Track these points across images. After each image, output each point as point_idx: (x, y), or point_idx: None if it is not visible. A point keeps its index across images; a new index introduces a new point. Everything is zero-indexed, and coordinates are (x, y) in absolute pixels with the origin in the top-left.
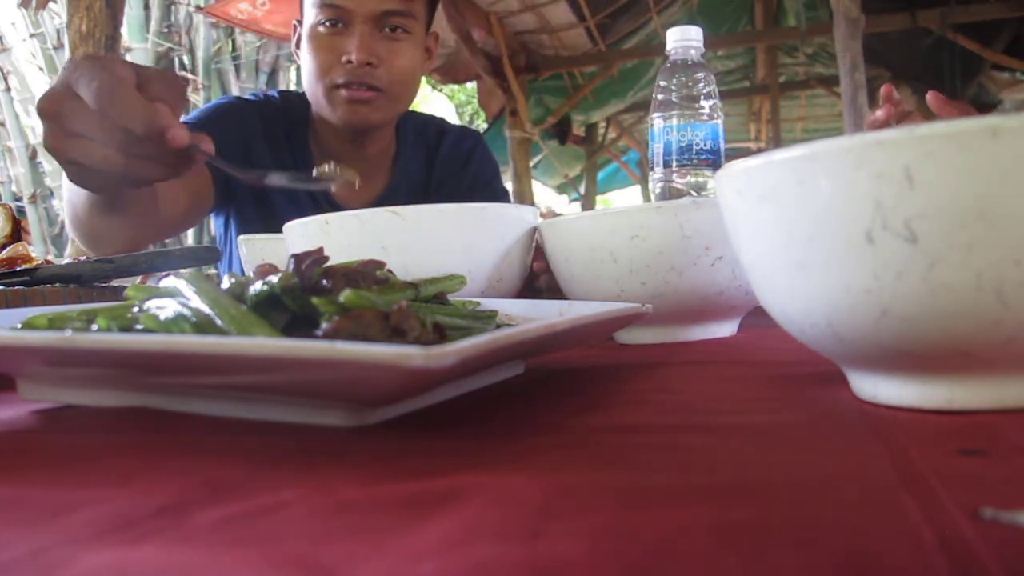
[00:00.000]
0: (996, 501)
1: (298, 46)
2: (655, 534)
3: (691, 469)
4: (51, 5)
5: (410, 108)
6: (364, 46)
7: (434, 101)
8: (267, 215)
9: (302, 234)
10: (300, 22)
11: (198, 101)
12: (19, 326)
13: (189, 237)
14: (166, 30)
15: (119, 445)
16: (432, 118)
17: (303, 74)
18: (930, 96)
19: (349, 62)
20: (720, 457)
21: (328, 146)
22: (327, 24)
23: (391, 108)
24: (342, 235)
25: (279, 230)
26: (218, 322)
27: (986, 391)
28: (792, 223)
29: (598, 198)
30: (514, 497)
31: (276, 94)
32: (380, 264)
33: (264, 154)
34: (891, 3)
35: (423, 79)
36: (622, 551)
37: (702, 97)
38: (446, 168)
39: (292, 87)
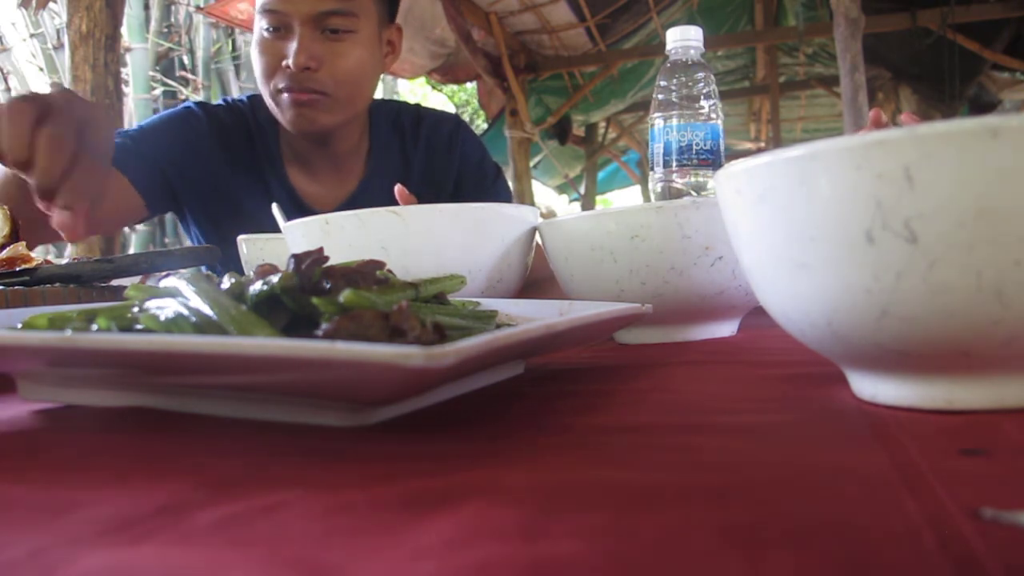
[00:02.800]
0: (996, 501)
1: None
2: (655, 534)
3: (691, 469)
4: (51, 5)
5: (385, 98)
6: (302, 49)
7: (434, 101)
8: (230, 213)
9: (302, 234)
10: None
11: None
12: (19, 326)
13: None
14: (166, 30)
15: (119, 445)
16: (406, 105)
17: (256, 78)
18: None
19: (288, 67)
20: (720, 457)
21: (297, 146)
22: (269, 30)
23: (340, 110)
24: (342, 235)
25: (246, 230)
26: (218, 322)
27: (986, 391)
28: (792, 223)
29: (598, 198)
30: (514, 497)
31: (244, 99)
32: (380, 264)
33: (217, 158)
34: (891, 3)
35: (424, 79)
36: (622, 551)
37: (702, 97)
38: (430, 155)
39: None
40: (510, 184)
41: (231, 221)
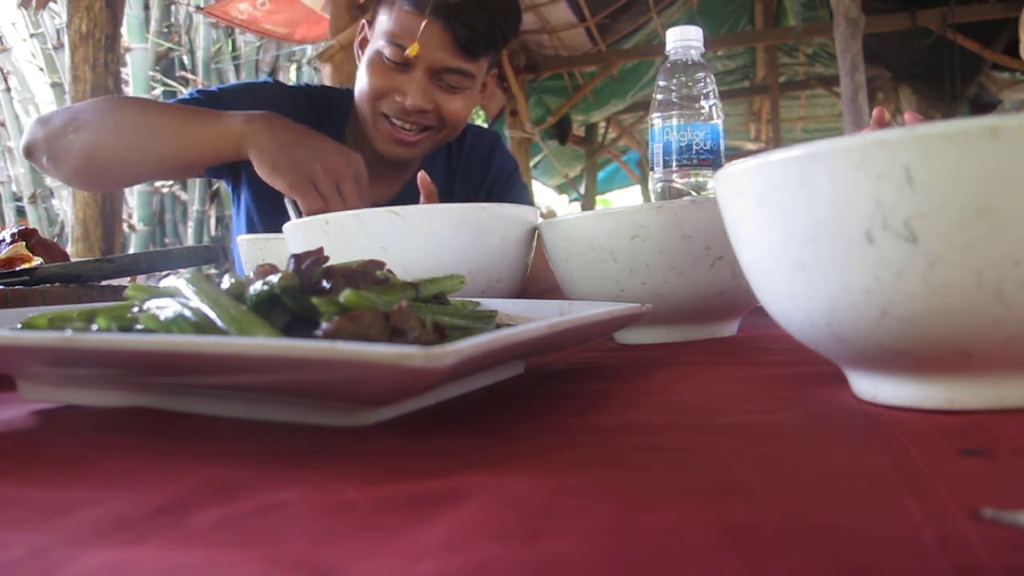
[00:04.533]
0: (996, 501)
1: (361, 47)
2: (655, 534)
3: (691, 469)
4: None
5: None
6: (421, 93)
7: None
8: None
9: (302, 234)
10: (370, 23)
11: None
12: (19, 326)
13: (189, 237)
14: (166, 30)
15: (119, 445)
16: None
17: (357, 82)
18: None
19: (401, 102)
20: (720, 457)
21: (363, 147)
22: (390, 60)
23: (433, 144)
24: (342, 235)
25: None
26: (218, 322)
27: (986, 391)
28: (792, 223)
29: (598, 198)
30: (514, 497)
31: (317, 85)
32: (380, 264)
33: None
34: (891, 3)
35: None
36: (622, 551)
37: (702, 97)
38: (470, 165)
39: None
40: None
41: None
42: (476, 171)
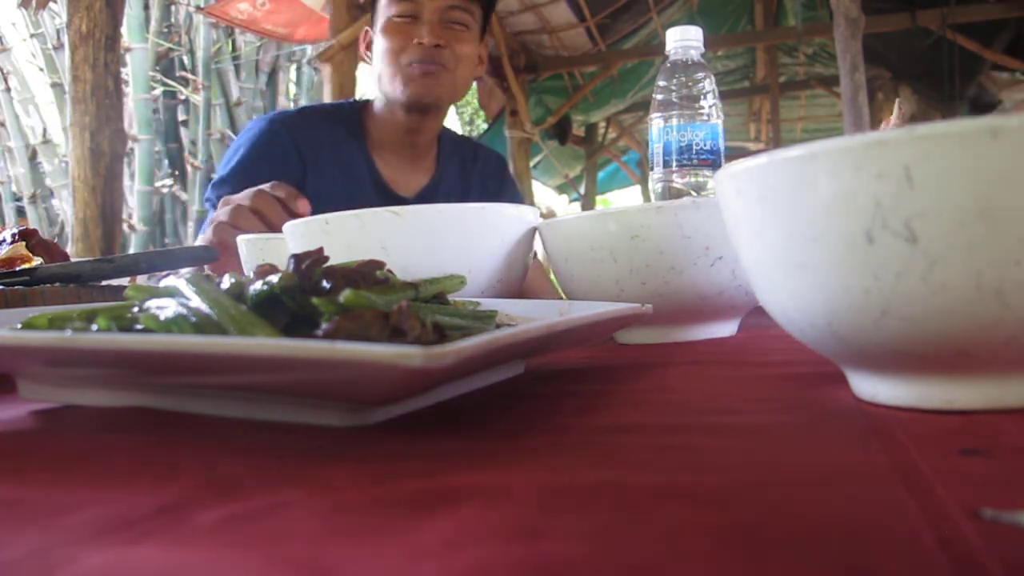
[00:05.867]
0: (996, 501)
1: (368, 48)
2: (655, 534)
3: (691, 469)
4: (51, 5)
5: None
6: (433, 31)
7: None
8: (326, 194)
9: (302, 234)
10: (370, 23)
11: (198, 101)
12: (19, 326)
13: (189, 237)
14: (166, 30)
15: (119, 445)
16: (464, 137)
17: (375, 61)
18: None
19: (421, 44)
20: (720, 457)
21: (380, 143)
22: (398, 16)
23: (451, 88)
24: (342, 235)
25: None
26: (218, 322)
27: (986, 391)
28: (792, 223)
29: (598, 198)
30: (514, 497)
31: (323, 105)
32: (380, 264)
33: (319, 152)
34: (891, 3)
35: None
36: (622, 551)
37: (702, 97)
38: (484, 183)
39: (291, 87)
40: None
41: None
42: (491, 185)
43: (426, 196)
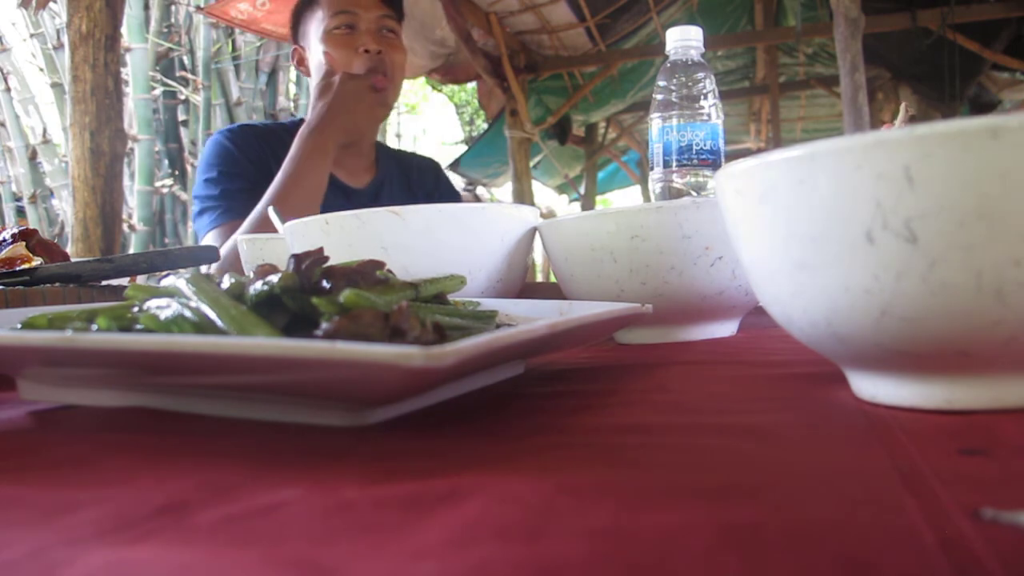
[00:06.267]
0: (996, 501)
1: (301, 64)
2: (655, 534)
3: (691, 469)
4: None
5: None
6: (374, 40)
7: (434, 101)
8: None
9: (302, 234)
10: (303, 47)
11: (198, 101)
12: (19, 326)
13: (189, 237)
14: (166, 30)
15: (119, 445)
16: (397, 151)
17: (315, 73)
18: None
19: (367, 51)
20: (720, 457)
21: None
22: (341, 28)
23: (392, 98)
24: (342, 235)
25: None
26: (218, 322)
27: (986, 391)
28: (792, 223)
29: (598, 198)
30: (514, 497)
31: (270, 123)
32: (380, 264)
33: (269, 160)
34: (891, 3)
35: (424, 79)
36: (622, 551)
37: (702, 97)
38: (422, 188)
39: (292, 87)
40: (509, 184)
41: None
42: (428, 189)
43: (377, 186)
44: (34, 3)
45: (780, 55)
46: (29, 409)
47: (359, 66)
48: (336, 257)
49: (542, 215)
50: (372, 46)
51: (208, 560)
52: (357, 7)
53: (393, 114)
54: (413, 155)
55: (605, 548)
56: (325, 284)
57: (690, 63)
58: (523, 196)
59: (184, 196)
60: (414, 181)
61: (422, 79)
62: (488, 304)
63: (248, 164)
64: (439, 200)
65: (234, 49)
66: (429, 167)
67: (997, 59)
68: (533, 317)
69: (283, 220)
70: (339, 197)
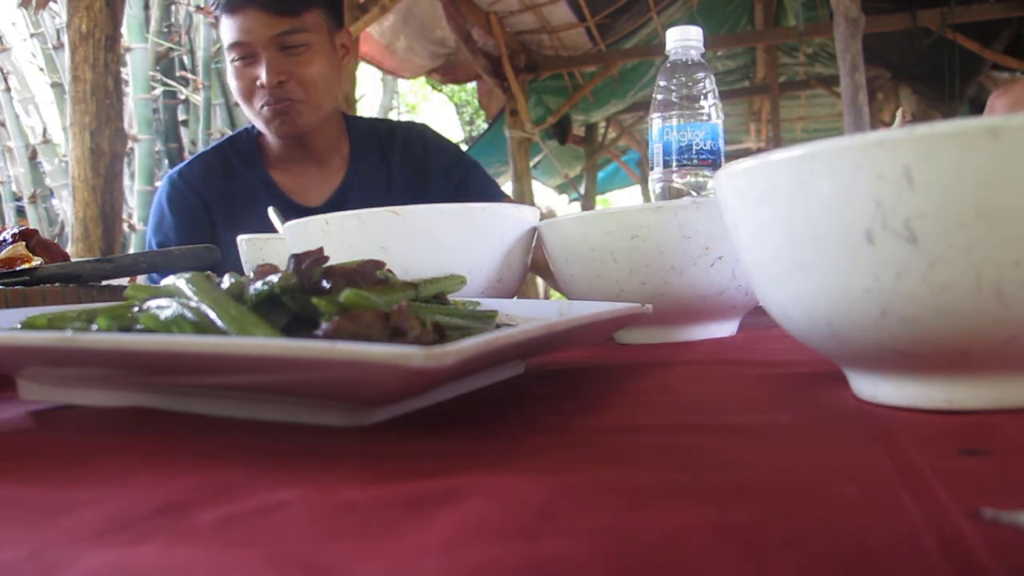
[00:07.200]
0: (996, 501)
1: None
2: (655, 534)
3: (691, 469)
4: (51, 5)
5: (355, 114)
6: (271, 69)
7: (434, 101)
8: (235, 218)
9: (302, 234)
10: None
11: (198, 101)
12: (19, 326)
13: None
14: (166, 30)
15: (119, 445)
16: (379, 120)
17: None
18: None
19: (262, 86)
20: (720, 457)
21: (280, 159)
22: (238, 60)
23: (312, 111)
24: (342, 235)
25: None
26: (218, 322)
27: (986, 391)
28: (792, 223)
29: (598, 198)
30: (514, 497)
31: (221, 140)
32: (380, 264)
33: (224, 191)
34: (891, 3)
35: (424, 79)
36: (622, 551)
37: (702, 97)
38: (409, 159)
39: None
40: (510, 184)
41: (240, 222)
42: (418, 162)
43: (336, 201)
44: (34, 3)
45: (780, 55)
46: (29, 409)
47: (258, 102)
48: (336, 257)
49: (542, 215)
50: (268, 78)
51: (208, 560)
52: (248, 36)
53: (393, 114)
54: (396, 127)
55: (605, 548)
56: (325, 284)
57: (690, 63)
58: (523, 196)
59: None
60: (396, 161)
61: (422, 79)
62: (488, 304)
63: (176, 220)
64: (431, 170)
65: None
66: (413, 133)
67: (997, 59)
68: (533, 317)
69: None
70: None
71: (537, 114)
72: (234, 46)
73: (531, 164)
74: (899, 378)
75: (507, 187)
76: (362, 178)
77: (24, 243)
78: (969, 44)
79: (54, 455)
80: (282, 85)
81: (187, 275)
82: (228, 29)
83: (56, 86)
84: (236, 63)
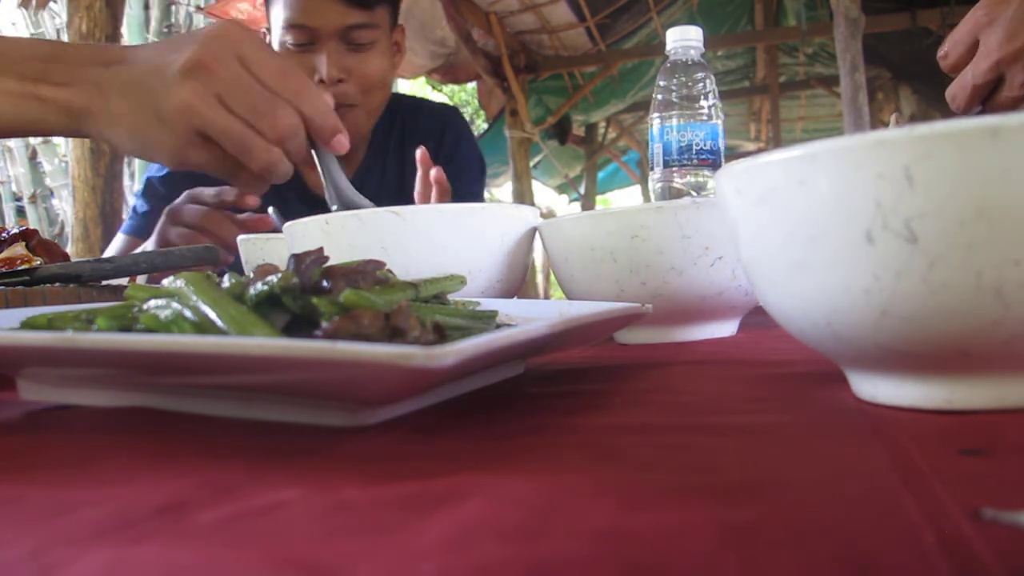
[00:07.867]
0: (996, 501)
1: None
2: (655, 534)
3: (691, 469)
4: (51, 5)
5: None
6: (333, 64)
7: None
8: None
9: (302, 234)
10: (269, 30)
11: None
12: (19, 326)
13: None
14: (166, 30)
15: (119, 445)
16: (407, 96)
17: None
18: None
19: (321, 81)
20: (720, 457)
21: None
22: (293, 43)
23: (369, 117)
24: (342, 235)
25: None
26: (218, 322)
27: (986, 391)
28: (792, 223)
29: (598, 198)
30: (514, 497)
31: None
32: (380, 264)
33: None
34: (891, 3)
35: (424, 79)
36: (622, 551)
37: (702, 97)
38: (424, 142)
39: None
40: (509, 184)
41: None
42: (429, 146)
43: (356, 183)
44: (34, 3)
45: (780, 55)
46: (29, 409)
47: None
48: (336, 257)
49: (542, 215)
50: (329, 73)
51: (208, 560)
52: (314, 20)
53: None
54: (420, 110)
55: (605, 548)
56: (325, 284)
57: (690, 63)
58: (523, 196)
59: None
60: (415, 144)
61: (422, 79)
62: (488, 304)
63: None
64: (448, 150)
65: None
66: (436, 115)
67: None
68: (533, 317)
69: (282, 221)
70: (303, 205)
71: (537, 114)
72: (293, 27)
73: (531, 164)
74: (899, 378)
75: (507, 187)
76: (378, 167)
77: (24, 243)
78: None
79: (54, 455)
80: (342, 84)
81: (187, 275)
82: (288, 6)
83: None
84: (290, 47)
